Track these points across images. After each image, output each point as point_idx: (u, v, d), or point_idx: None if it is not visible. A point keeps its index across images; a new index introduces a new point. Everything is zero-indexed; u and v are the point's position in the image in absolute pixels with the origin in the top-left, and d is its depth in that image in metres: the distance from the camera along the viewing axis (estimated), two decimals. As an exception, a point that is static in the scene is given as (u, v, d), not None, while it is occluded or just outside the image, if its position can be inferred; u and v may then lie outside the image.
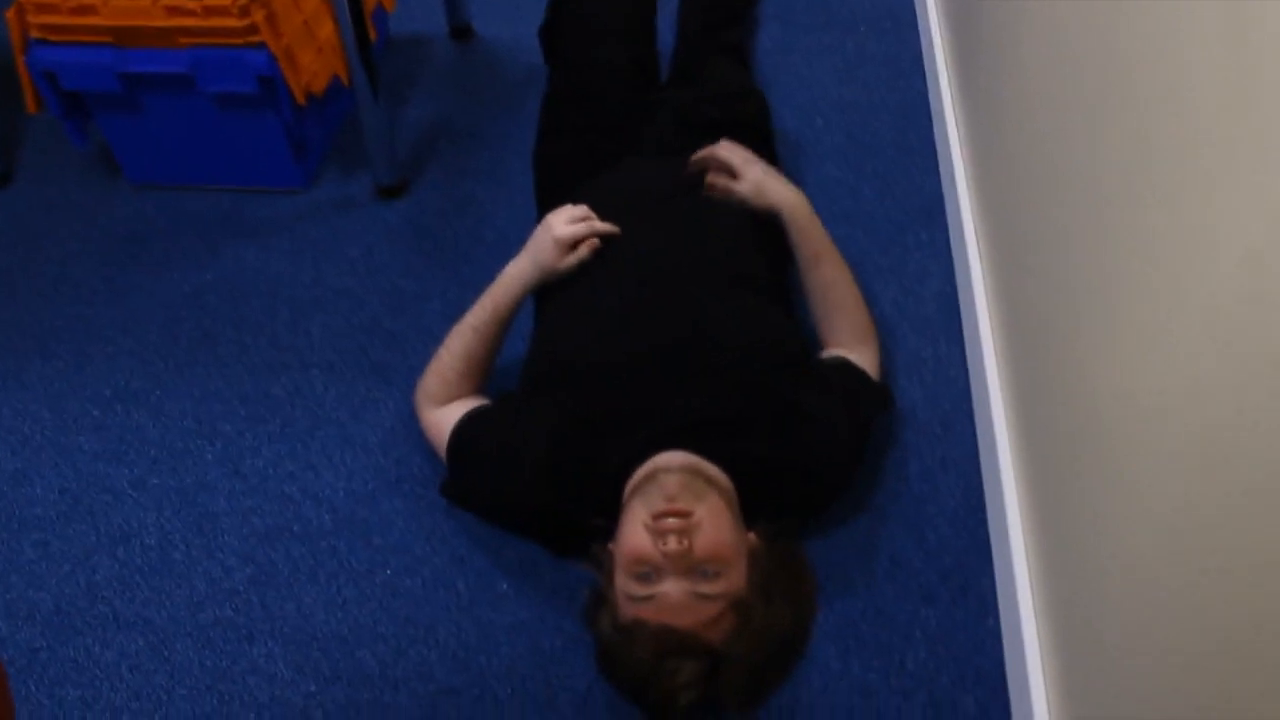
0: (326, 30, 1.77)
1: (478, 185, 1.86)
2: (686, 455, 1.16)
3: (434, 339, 1.39)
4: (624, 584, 1.08)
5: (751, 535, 1.13)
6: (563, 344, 1.30)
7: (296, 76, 1.68)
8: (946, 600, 1.26)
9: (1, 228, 1.85)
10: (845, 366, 1.34)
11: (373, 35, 1.69)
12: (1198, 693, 0.79)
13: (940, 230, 1.72)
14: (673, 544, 1.03)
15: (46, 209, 1.87)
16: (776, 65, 2.06)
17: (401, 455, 1.45)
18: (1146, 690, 0.89)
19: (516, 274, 1.37)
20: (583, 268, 1.34)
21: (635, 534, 1.07)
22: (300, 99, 1.70)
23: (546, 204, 1.48)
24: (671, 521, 1.05)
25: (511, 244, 1.42)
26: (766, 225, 1.42)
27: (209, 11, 1.59)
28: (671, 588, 1.04)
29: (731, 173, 1.42)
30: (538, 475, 1.21)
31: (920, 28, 2.12)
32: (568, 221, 1.35)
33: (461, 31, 2.19)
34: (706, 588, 1.04)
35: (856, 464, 1.32)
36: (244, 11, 1.58)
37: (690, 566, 1.04)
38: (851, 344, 1.38)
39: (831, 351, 1.38)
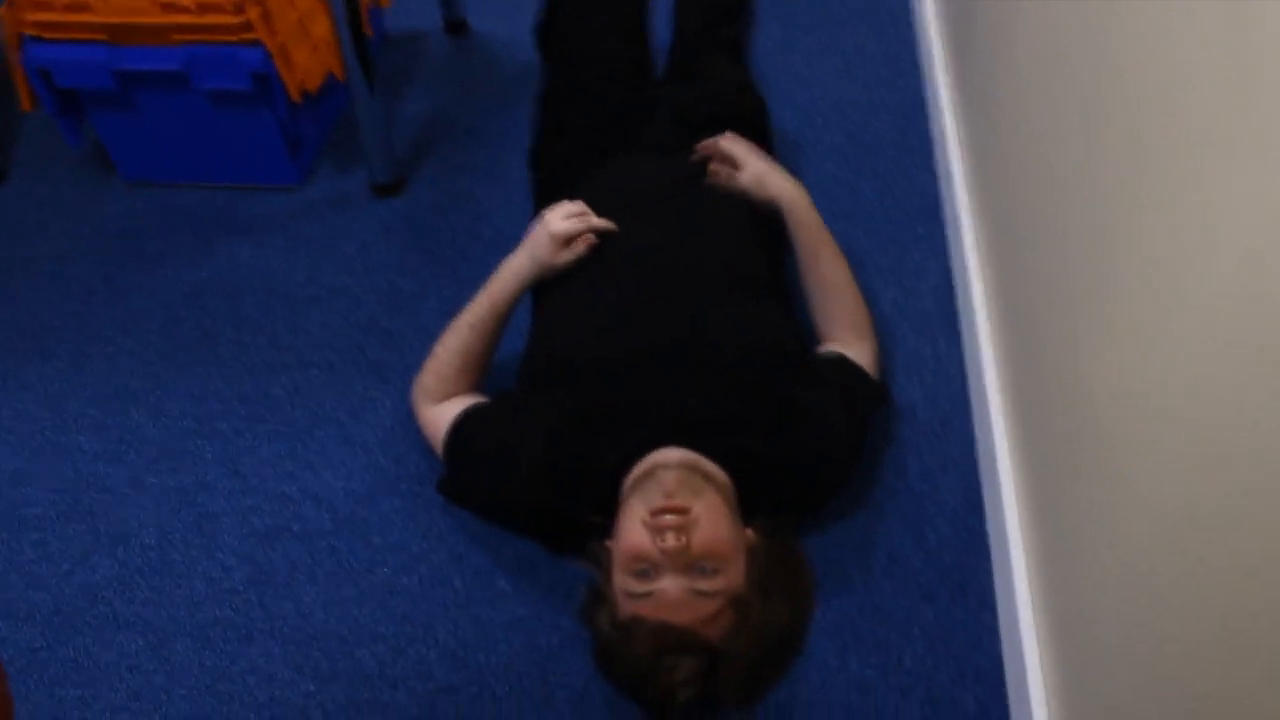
0: (321, 27, 1.77)
1: (474, 182, 1.85)
2: (684, 452, 1.16)
3: (432, 338, 1.39)
4: (622, 581, 1.08)
5: (749, 532, 1.13)
6: (560, 341, 1.31)
7: (292, 74, 1.67)
8: (945, 597, 1.27)
9: (-3, 226, 1.85)
10: (842, 362, 1.34)
11: (368, 31, 1.68)
12: (1195, 691, 0.80)
13: (939, 228, 1.72)
14: (671, 540, 1.03)
15: (41, 207, 1.86)
16: (776, 65, 2.05)
17: (400, 454, 1.45)
18: (1144, 687, 0.89)
19: (513, 270, 1.37)
20: (580, 264, 1.34)
21: (633, 531, 1.07)
22: (296, 96, 1.69)
23: (543, 202, 1.48)
24: (669, 518, 1.05)
25: (509, 241, 1.42)
26: (765, 223, 1.42)
27: (203, 8, 1.59)
28: (669, 584, 1.04)
29: (734, 164, 1.43)
30: (535, 473, 1.21)
31: (917, 27, 2.12)
32: (565, 217, 1.35)
33: (457, 27, 2.19)
34: (704, 584, 1.04)
35: (854, 460, 1.32)
36: (239, 8, 1.58)
37: (688, 563, 1.04)
38: (848, 338, 1.38)
39: (828, 347, 1.38)
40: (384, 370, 1.56)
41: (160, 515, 1.40)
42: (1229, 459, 0.74)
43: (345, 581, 1.32)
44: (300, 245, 1.76)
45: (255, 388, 1.54)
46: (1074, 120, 1.10)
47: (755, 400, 1.22)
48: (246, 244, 1.77)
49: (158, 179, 1.88)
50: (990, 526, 1.32)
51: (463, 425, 1.29)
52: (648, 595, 1.05)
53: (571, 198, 1.39)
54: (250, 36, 1.60)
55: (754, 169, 1.42)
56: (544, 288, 1.38)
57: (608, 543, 1.13)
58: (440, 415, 1.32)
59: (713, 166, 1.45)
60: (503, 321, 1.37)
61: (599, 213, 1.36)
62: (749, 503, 1.16)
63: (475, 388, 1.37)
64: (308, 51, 1.73)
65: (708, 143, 1.47)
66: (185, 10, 1.59)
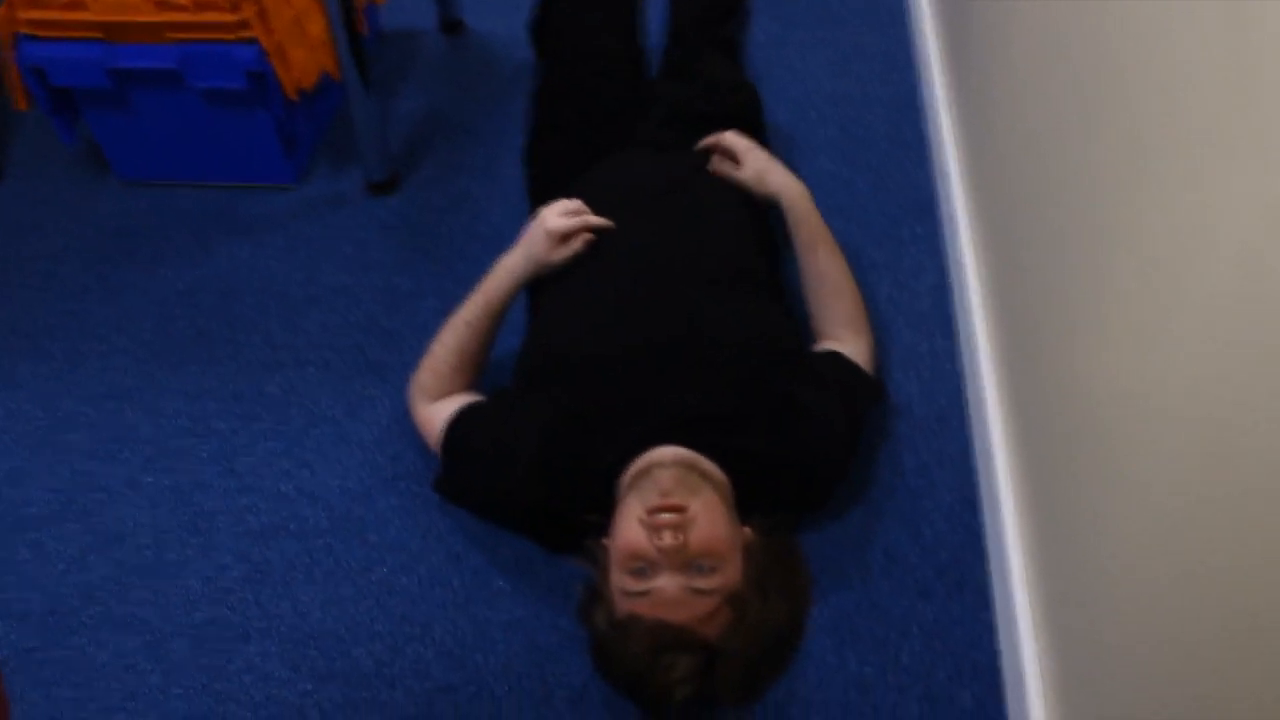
0: (317, 25, 1.76)
1: (471, 180, 1.85)
2: (681, 450, 1.16)
3: (428, 336, 1.39)
4: (619, 579, 1.08)
5: (747, 530, 1.13)
6: (556, 338, 1.30)
7: (288, 72, 1.67)
8: (942, 595, 1.27)
9: (-9, 225, 1.84)
10: (838, 359, 1.34)
11: (363, 29, 1.68)
12: (1194, 689, 0.80)
13: (934, 224, 1.72)
14: (668, 539, 1.03)
15: (36, 205, 1.86)
16: (770, 59, 2.05)
17: (397, 452, 1.44)
18: (1142, 685, 0.89)
19: (510, 267, 1.37)
20: (576, 262, 1.34)
21: (630, 529, 1.07)
22: (292, 95, 1.69)
23: (538, 199, 1.48)
24: (666, 516, 1.05)
25: (505, 239, 1.42)
26: (762, 219, 1.42)
27: (199, 6, 1.58)
28: (666, 583, 1.04)
29: (735, 159, 1.44)
30: (531, 471, 1.21)
31: (912, 23, 2.12)
32: (561, 214, 1.35)
33: (452, 25, 2.18)
34: (702, 582, 1.04)
35: (851, 458, 1.32)
36: (235, 6, 1.57)
37: (685, 561, 1.04)
38: (845, 334, 1.39)
39: (824, 344, 1.38)
40: (380, 369, 1.55)
41: (156, 514, 1.40)
42: (1229, 458, 0.74)
43: (342, 580, 1.32)
44: (296, 244, 1.76)
45: (251, 386, 1.54)
46: (1072, 119, 1.10)
47: (753, 397, 1.22)
48: (242, 243, 1.76)
49: (153, 178, 1.87)
50: (987, 523, 1.32)
51: (459, 423, 1.29)
52: (645, 594, 1.05)
53: (566, 195, 1.39)
54: (246, 35, 1.60)
55: (755, 164, 1.43)
56: (540, 285, 1.38)
57: (604, 541, 1.13)
58: (436, 413, 1.32)
59: (714, 160, 1.46)
60: (499, 319, 1.37)
61: (595, 210, 1.36)
62: (746, 501, 1.16)
63: (472, 386, 1.37)
64: (304, 50, 1.73)
65: (710, 139, 1.48)
66: (181, 8, 1.59)
